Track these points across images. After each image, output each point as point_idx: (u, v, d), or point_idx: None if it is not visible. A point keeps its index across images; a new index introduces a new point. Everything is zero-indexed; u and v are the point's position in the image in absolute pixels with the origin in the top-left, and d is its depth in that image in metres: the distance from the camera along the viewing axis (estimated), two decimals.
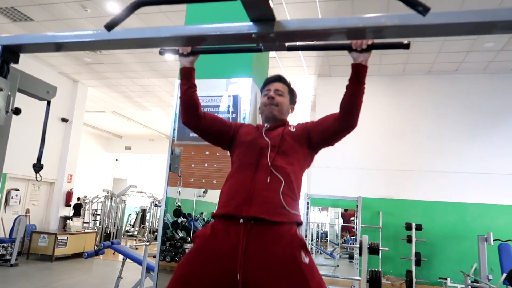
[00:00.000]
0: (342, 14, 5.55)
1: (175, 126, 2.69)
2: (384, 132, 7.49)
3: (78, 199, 9.48)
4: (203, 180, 2.60)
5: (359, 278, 3.22)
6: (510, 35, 5.96)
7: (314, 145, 1.62)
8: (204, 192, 3.03)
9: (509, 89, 7.25)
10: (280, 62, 7.41)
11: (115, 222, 10.55)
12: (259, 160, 1.50)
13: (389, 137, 7.49)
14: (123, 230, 11.39)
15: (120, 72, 8.58)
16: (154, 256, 6.48)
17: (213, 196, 3.28)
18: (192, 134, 2.56)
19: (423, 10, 1.03)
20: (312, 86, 8.56)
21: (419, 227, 6.74)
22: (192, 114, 1.64)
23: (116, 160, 16.84)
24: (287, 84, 1.78)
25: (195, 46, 1.51)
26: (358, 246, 3.35)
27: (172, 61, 7.68)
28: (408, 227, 6.80)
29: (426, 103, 7.56)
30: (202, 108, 1.68)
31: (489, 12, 1.00)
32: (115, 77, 8.93)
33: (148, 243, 4.59)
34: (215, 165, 2.55)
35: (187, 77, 1.62)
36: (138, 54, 7.51)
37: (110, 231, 10.33)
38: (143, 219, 13.46)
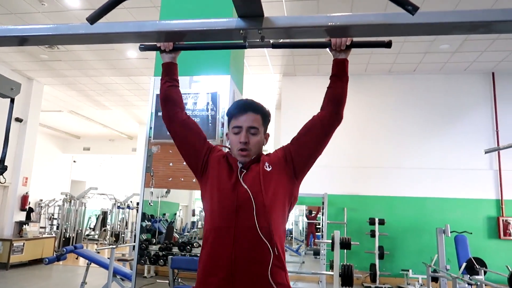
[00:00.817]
0: (307, 13, 5.63)
1: (152, 125, 2.61)
2: (348, 131, 7.66)
3: (28, 203, 8.96)
4: (182, 179, 2.54)
5: (332, 273, 3.29)
6: (464, 38, 6.29)
7: (301, 167, 1.47)
8: (166, 192, 2.94)
9: (462, 89, 7.66)
10: (245, 61, 7.40)
11: (74, 226, 10.12)
12: (238, 221, 1.30)
13: (353, 136, 7.69)
14: (83, 234, 10.95)
15: (79, 70, 8.24)
16: (119, 260, 6.30)
17: (176, 196, 3.19)
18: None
19: (412, 9, 1.06)
20: (277, 85, 8.63)
21: (382, 222, 6.99)
22: (170, 108, 1.53)
23: (74, 161, 16.18)
24: (261, 112, 1.48)
25: (177, 41, 1.47)
26: (330, 241, 3.42)
27: (135, 58, 7.48)
28: (372, 222, 7.03)
29: (387, 102, 7.84)
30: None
31: (481, 13, 1.05)
32: (73, 75, 8.56)
33: (114, 247, 4.45)
34: None
35: (168, 72, 1.55)
36: (98, 51, 7.24)
37: (69, 235, 9.91)
38: (104, 222, 13.03)
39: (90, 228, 13.67)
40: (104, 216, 13.01)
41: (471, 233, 6.69)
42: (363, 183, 7.55)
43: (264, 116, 1.50)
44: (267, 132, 1.53)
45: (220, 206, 1.35)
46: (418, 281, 6.19)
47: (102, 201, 13.47)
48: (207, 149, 1.51)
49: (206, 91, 2.51)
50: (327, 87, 1.48)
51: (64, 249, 4.77)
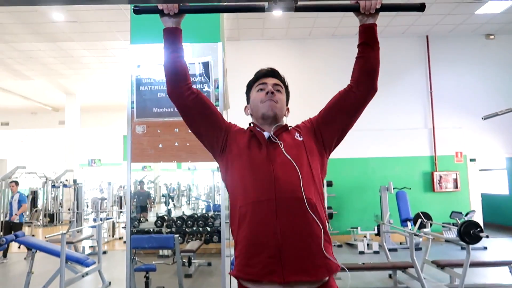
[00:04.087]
0: None
1: (133, 99, 2.25)
2: (292, 95, 7.67)
3: None
4: (174, 162, 2.29)
5: None
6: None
7: (330, 142, 1.40)
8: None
9: (400, 52, 7.97)
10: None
11: (2, 210, 9.19)
12: (278, 192, 1.18)
13: (298, 100, 7.66)
14: None
15: None
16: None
17: None
18: (156, 109, 2.20)
19: None
20: None
21: (330, 184, 7.24)
22: (177, 83, 1.33)
23: None
24: (283, 80, 1.48)
25: (181, 3, 1.23)
26: None
27: (61, 22, 6.68)
28: None
29: (330, 65, 7.93)
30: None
31: None
32: None
33: (64, 232, 4.07)
34: (187, 144, 2.23)
35: (174, 41, 1.33)
36: (17, 14, 6.34)
37: None
38: (34, 202, 12.05)
39: None
40: (33, 195, 12.02)
41: (410, 189, 7.21)
42: None
43: (286, 87, 1.50)
44: (288, 107, 1.50)
45: (255, 179, 1.23)
46: (366, 236, 6.57)
47: (30, 180, 12.39)
48: (227, 127, 1.39)
49: (198, 60, 2.23)
50: (357, 57, 1.37)
51: (4, 239, 4.30)
